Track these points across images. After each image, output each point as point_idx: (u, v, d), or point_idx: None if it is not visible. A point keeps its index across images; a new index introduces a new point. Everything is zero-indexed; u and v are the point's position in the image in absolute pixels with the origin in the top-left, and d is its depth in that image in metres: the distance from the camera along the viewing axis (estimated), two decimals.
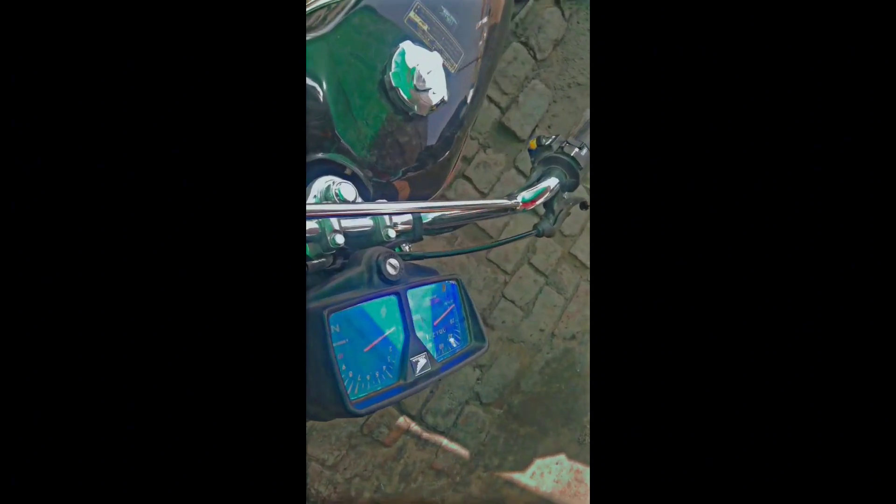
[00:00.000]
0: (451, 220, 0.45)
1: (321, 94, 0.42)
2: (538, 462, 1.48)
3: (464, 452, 1.35)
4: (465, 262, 1.28)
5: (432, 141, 0.49)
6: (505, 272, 1.33)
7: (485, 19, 0.56)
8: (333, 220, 0.37)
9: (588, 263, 1.42)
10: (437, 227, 0.45)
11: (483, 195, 1.30)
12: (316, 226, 0.36)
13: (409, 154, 0.47)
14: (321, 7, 0.45)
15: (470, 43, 0.52)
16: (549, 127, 1.38)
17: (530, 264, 1.37)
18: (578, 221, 1.42)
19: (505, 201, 0.46)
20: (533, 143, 0.50)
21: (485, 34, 0.55)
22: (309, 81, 0.42)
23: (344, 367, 0.31)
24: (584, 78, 1.40)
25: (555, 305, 1.41)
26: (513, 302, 1.35)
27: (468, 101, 0.53)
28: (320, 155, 0.43)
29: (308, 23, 0.44)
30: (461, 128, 0.52)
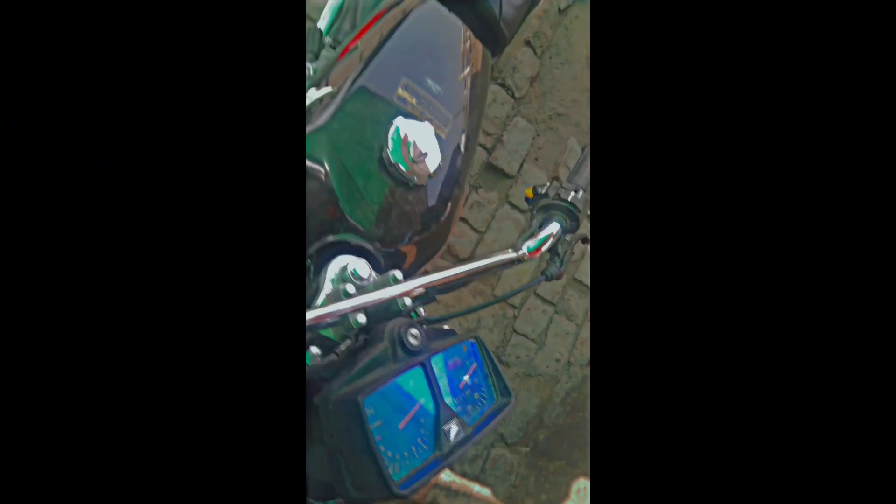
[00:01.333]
0: (461, 279, 0.46)
1: (326, 178, 0.44)
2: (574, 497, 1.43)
3: (495, 500, 1.31)
4: (472, 301, 1.29)
5: (433, 202, 0.51)
6: (513, 306, 1.34)
7: (466, 70, 0.59)
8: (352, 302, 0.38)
9: None
10: (449, 287, 0.47)
11: (480, 233, 1.32)
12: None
13: (413, 220, 0.49)
14: (316, 101, 0.47)
15: (455, 96, 0.55)
16: (536, 160, 1.42)
17: (537, 295, 1.37)
18: (579, 247, 1.44)
19: (511, 255, 0.47)
20: (529, 192, 0.52)
21: (468, 84, 0.58)
22: (314, 166, 0.44)
23: (383, 447, 0.32)
24: (564, 108, 1.46)
25: (567, 333, 1.40)
26: (525, 336, 1.34)
27: (461, 149, 0.55)
28: (331, 238, 0.44)
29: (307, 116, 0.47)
30: (458, 185, 0.54)
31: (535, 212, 0.52)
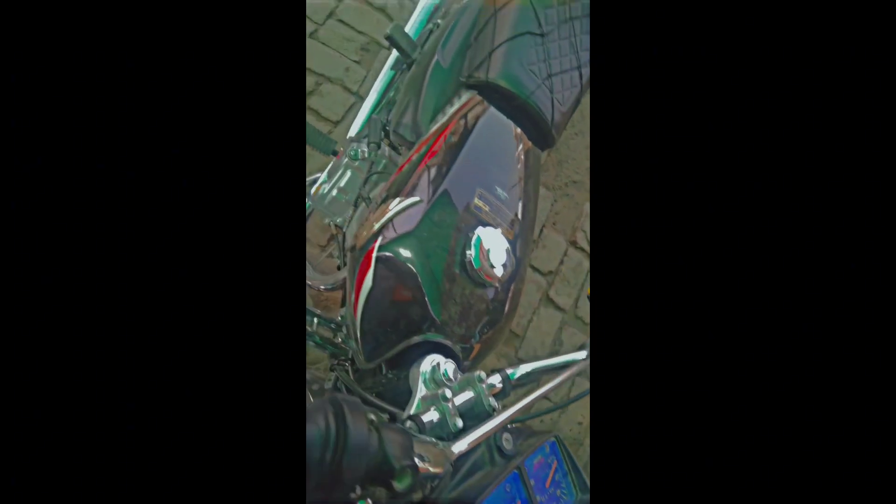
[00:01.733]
0: (533, 375, 0.50)
1: (418, 282, 0.49)
2: None
3: None
4: (497, 363, 1.31)
5: (503, 299, 0.55)
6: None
7: (520, 147, 0.65)
8: (449, 405, 0.41)
9: None
10: (522, 384, 0.50)
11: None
12: (438, 414, 0.41)
13: (486, 318, 0.53)
14: (402, 209, 0.53)
15: (516, 198, 0.61)
16: (554, 224, 1.48)
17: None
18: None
19: (580, 354, 0.51)
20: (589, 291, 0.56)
21: (522, 158, 0.64)
22: (410, 269, 0.49)
23: None
24: (579, 175, 1.54)
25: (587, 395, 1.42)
26: (548, 399, 1.36)
27: (520, 216, 0.59)
28: (418, 338, 0.48)
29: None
30: (520, 279, 0.59)
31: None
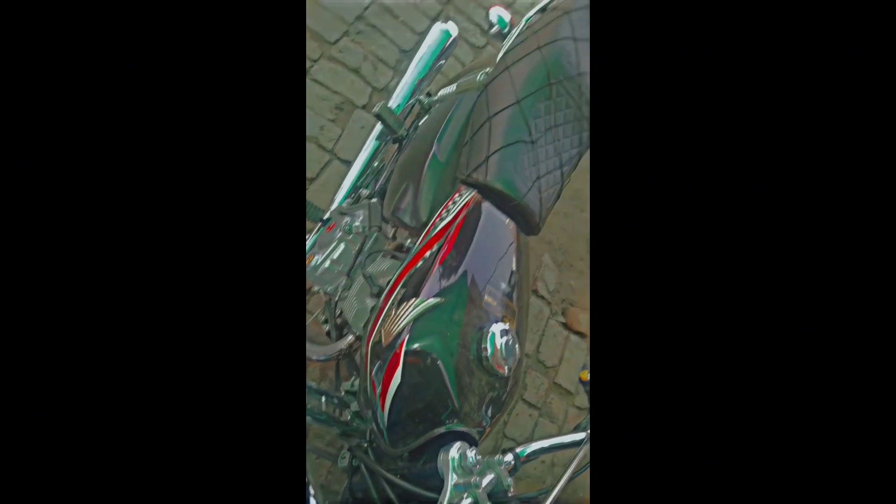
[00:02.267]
0: (539, 452, 0.58)
1: (444, 377, 0.55)
2: None
3: None
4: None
5: (508, 386, 0.63)
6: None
7: (513, 239, 0.74)
8: (479, 491, 0.48)
9: (571, 390, 1.58)
10: (531, 460, 0.58)
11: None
12: (471, 499, 0.47)
13: (497, 404, 0.61)
14: (425, 309, 0.59)
15: (516, 289, 0.69)
16: (562, 301, 1.60)
17: (524, 400, 1.49)
18: (557, 353, 1.60)
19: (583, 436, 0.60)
20: (584, 375, 0.66)
21: (515, 250, 0.73)
22: (439, 365, 0.55)
23: None
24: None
25: (550, 434, 1.52)
26: (514, 440, 1.44)
27: (516, 307, 0.68)
28: (442, 429, 0.55)
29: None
30: (520, 363, 0.67)
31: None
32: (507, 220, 0.76)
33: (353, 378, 0.79)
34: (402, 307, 0.60)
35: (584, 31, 0.86)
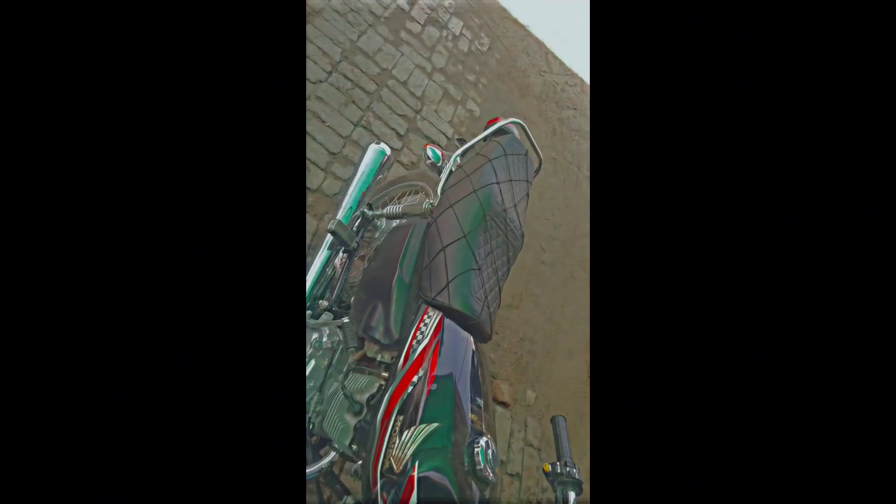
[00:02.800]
0: None
1: (454, 496, 0.67)
2: None
3: None
4: None
5: (497, 490, 0.77)
6: None
7: (474, 352, 0.90)
8: None
9: (503, 459, 1.73)
10: None
11: None
12: None
13: (485, 500, 0.74)
14: (428, 434, 0.72)
15: (477, 380, 0.85)
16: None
17: None
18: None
19: None
20: (546, 467, 0.82)
21: (477, 362, 0.89)
22: (447, 485, 0.67)
23: None
24: None
25: None
26: None
27: (485, 412, 0.83)
28: None
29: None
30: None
31: (555, 484, 0.81)
32: (466, 334, 0.93)
33: (345, 498, 0.85)
34: (404, 434, 0.72)
35: (504, 174, 1.13)
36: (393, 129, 2.11)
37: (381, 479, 0.71)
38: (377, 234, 1.47)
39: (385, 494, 0.70)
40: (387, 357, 0.98)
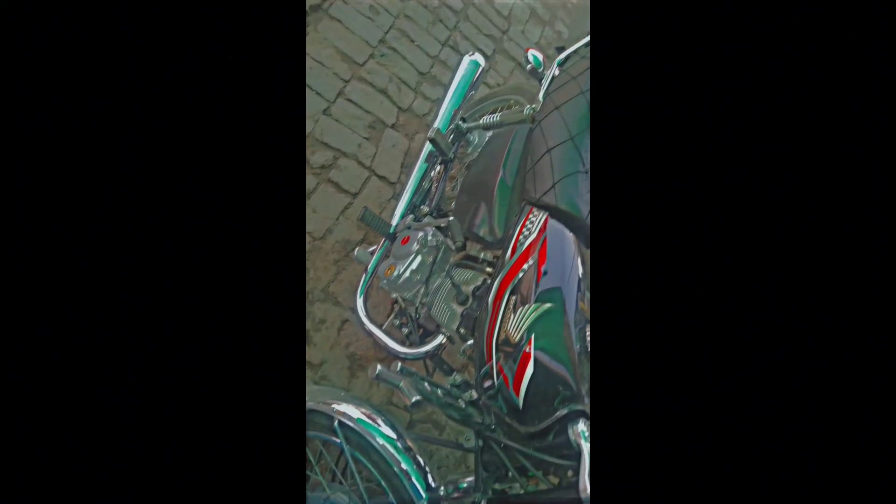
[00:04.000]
0: None
1: (567, 368, 0.72)
2: None
3: None
4: None
5: None
6: None
7: (577, 250, 0.92)
8: None
9: None
10: None
11: None
12: None
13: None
14: None
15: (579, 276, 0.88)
16: None
17: None
18: None
19: None
20: None
21: (579, 258, 0.91)
22: (563, 357, 0.72)
23: None
24: None
25: None
26: None
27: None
28: (566, 410, 0.71)
29: None
30: None
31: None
32: (570, 235, 0.94)
33: (453, 375, 0.93)
34: (518, 311, 0.76)
35: None
36: (480, 49, 2.04)
37: (496, 351, 0.77)
38: (469, 150, 1.48)
39: (501, 363, 0.76)
40: (489, 256, 1.02)
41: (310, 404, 0.88)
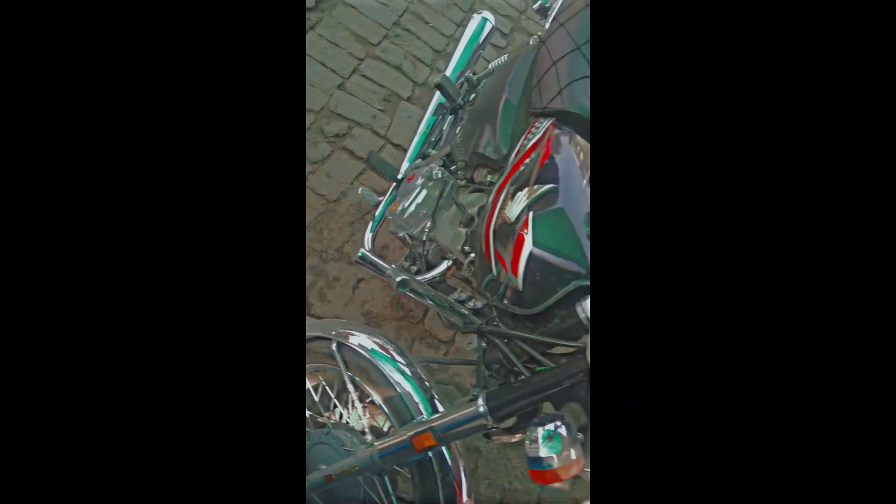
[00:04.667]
0: None
1: (571, 244, 0.63)
2: None
3: None
4: None
5: None
6: None
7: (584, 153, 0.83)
8: None
9: None
10: None
11: None
12: None
13: None
14: None
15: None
16: None
17: None
18: None
19: None
20: None
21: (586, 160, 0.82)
22: (566, 231, 0.63)
23: None
24: None
25: None
26: None
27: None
28: (572, 286, 0.62)
29: None
30: None
31: None
32: (577, 137, 0.86)
33: (458, 290, 0.86)
34: (517, 195, 0.69)
35: None
36: (497, 27, 2.04)
37: (494, 240, 0.70)
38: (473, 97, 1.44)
39: (499, 249, 0.69)
40: (496, 178, 0.96)
41: (311, 333, 0.83)
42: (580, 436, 0.50)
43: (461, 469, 0.69)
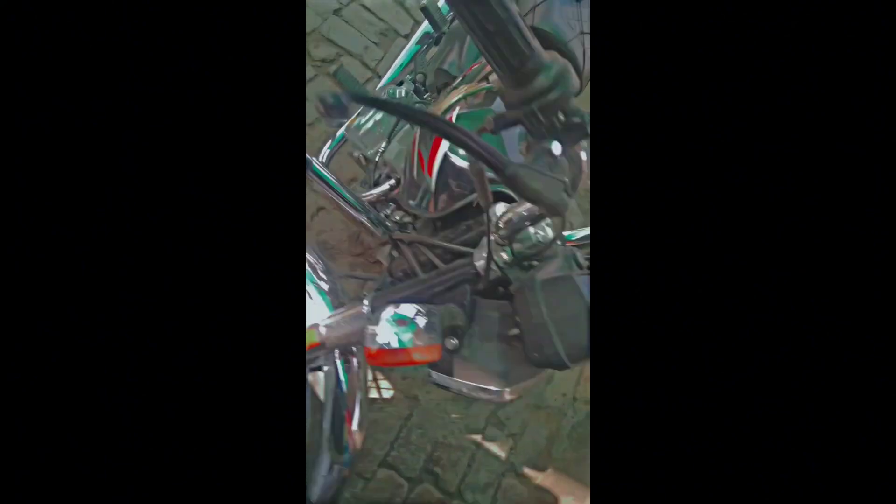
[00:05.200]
0: None
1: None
2: None
3: None
4: None
5: None
6: None
7: None
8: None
9: None
10: None
11: None
12: None
13: None
14: None
15: None
16: None
17: None
18: None
19: None
20: None
21: None
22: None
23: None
24: None
25: (571, 370, 1.49)
26: None
27: None
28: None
29: None
30: None
31: None
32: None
33: (391, 206, 0.80)
34: (452, 91, 0.62)
35: None
36: None
37: (419, 137, 0.63)
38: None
39: (421, 149, 0.62)
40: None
41: None
42: (454, 341, 0.44)
43: (357, 400, 0.64)
